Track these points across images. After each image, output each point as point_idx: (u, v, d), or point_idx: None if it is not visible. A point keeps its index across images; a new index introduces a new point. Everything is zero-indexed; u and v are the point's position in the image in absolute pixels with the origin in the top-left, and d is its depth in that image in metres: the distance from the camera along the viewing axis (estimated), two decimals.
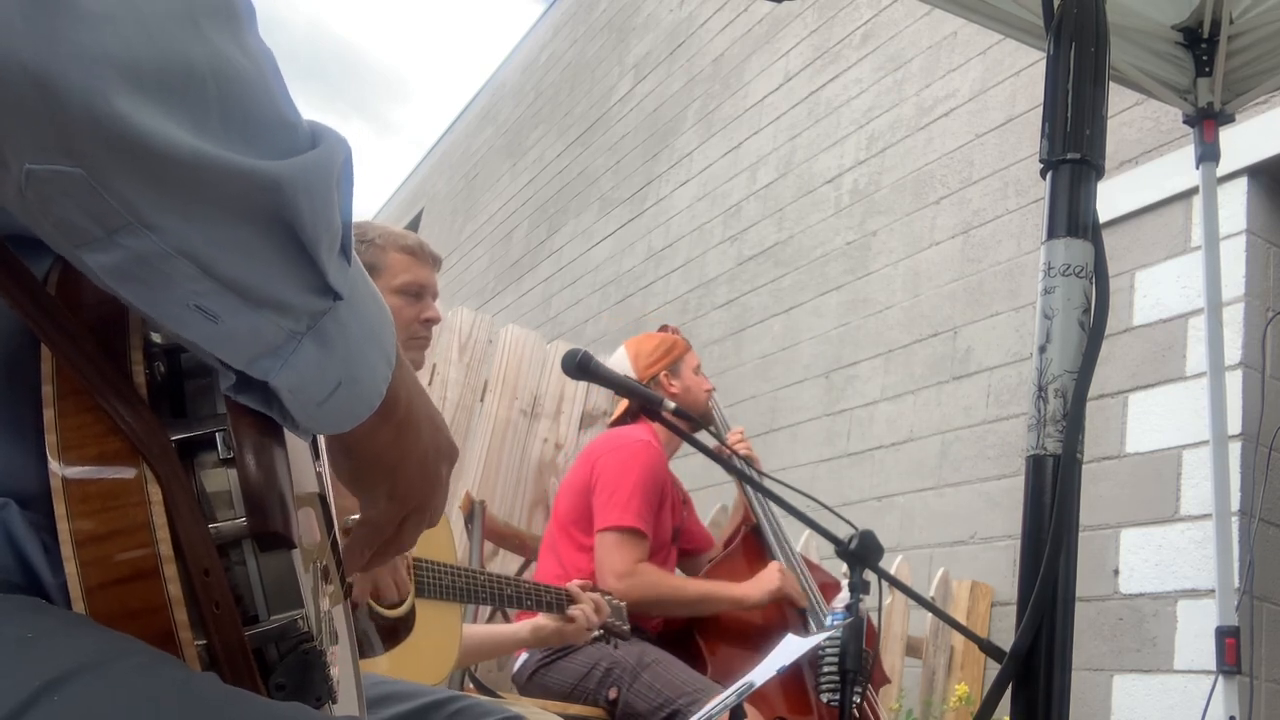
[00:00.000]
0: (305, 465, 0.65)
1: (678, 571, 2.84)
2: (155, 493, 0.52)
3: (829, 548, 1.88)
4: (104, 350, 0.54)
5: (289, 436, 0.59)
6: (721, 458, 2.40)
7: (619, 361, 2.85)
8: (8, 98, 0.43)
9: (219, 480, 0.54)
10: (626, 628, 2.31)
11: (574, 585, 2.24)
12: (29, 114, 0.43)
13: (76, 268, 0.49)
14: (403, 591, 1.64)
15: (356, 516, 0.71)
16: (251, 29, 0.49)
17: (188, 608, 0.52)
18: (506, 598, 2.10)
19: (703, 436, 2.51)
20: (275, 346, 0.52)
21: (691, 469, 4.14)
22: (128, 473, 0.52)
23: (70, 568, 0.51)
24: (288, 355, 0.52)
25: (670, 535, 2.73)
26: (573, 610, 2.19)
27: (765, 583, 2.60)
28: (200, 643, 0.52)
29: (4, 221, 0.54)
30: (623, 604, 2.33)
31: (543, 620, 2.20)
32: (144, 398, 0.54)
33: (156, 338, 0.56)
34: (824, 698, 1.87)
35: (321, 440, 0.72)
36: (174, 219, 0.46)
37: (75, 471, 0.52)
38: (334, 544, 0.73)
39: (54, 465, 0.52)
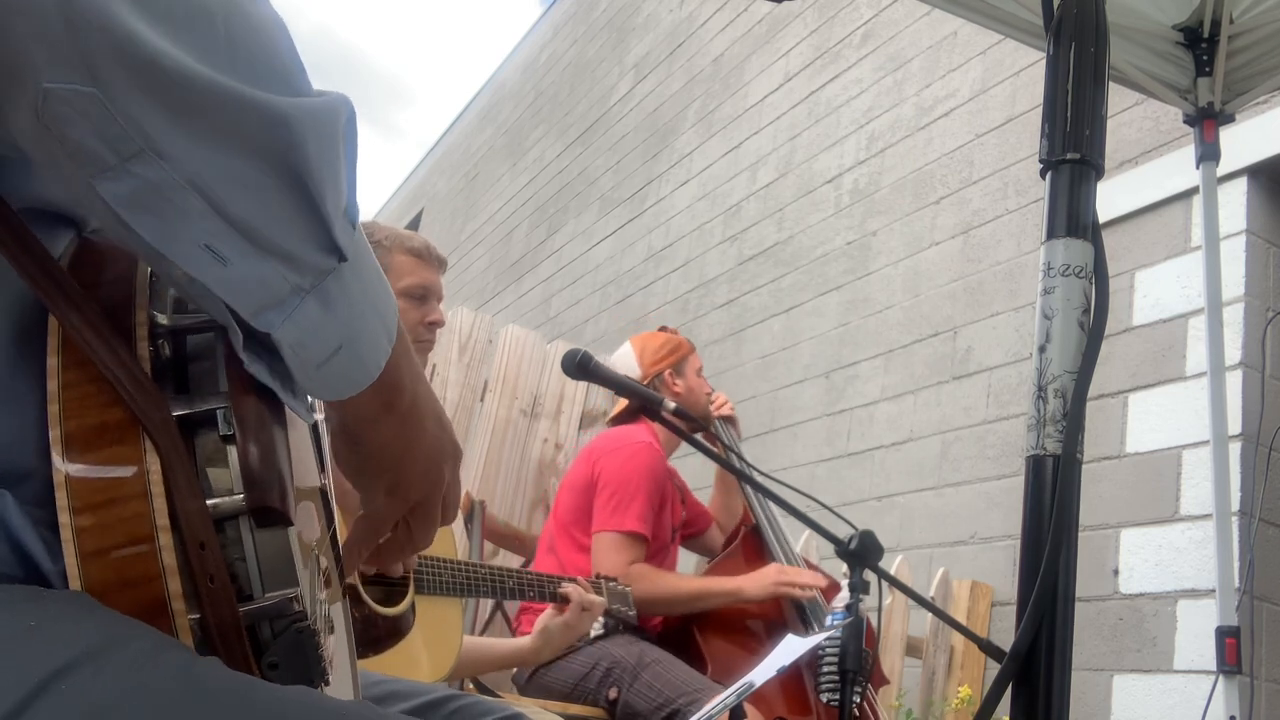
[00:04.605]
0: (308, 460, 0.66)
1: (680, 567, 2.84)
2: (154, 463, 0.53)
3: (829, 548, 1.87)
4: (111, 326, 0.55)
5: (293, 432, 0.59)
6: (721, 458, 2.40)
7: (624, 356, 2.85)
8: (29, 12, 0.44)
9: (219, 456, 0.55)
10: (633, 613, 2.30)
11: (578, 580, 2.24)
12: (49, 30, 0.44)
13: (91, 215, 0.50)
14: (409, 566, 1.63)
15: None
16: None
17: (182, 580, 0.52)
18: (508, 589, 2.08)
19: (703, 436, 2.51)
20: (280, 299, 0.53)
21: (691, 469, 4.13)
22: (128, 443, 0.53)
23: (67, 535, 0.52)
24: (291, 310, 0.53)
25: (670, 535, 2.74)
26: (564, 589, 2.15)
27: (763, 577, 2.60)
28: (194, 616, 0.53)
29: (20, 193, 0.55)
30: (628, 589, 2.32)
31: (543, 623, 2.18)
32: (147, 372, 0.54)
33: (162, 319, 0.57)
34: (824, 698, 1.87)
35: (325, 442, 0.73)
36: (184, 146, 0.47)
37: (75, 440, 0.53)
38: (333, 539, 0.73)
39: (55, 433, 0.53)
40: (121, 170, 0.47)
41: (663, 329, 3.05)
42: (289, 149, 0.50)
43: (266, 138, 0.49)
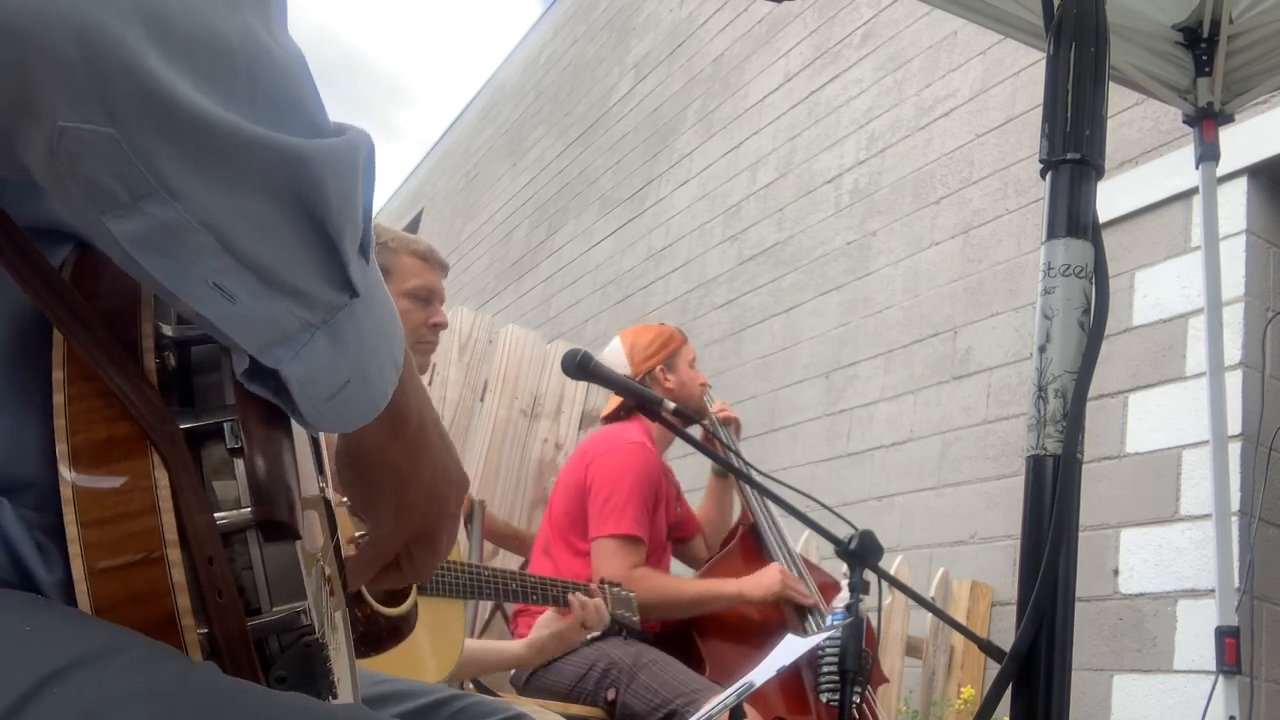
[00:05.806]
0: (308, 467, 0.65)
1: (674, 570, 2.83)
2: (162, 478, 0.52)
3: (829, 548, 1.88)
4: (116, 338, 0.54)
5: (295, 440, 0.59)
6: (720, 457, 2.40)
7: (614, 352, 2.83)
8: (48, 49, 0.43)
9: (226, 469, 0.54)
10: (636, 619, 2.30)
11: (581, 587, 2.25)
12: (67, 67, 0.43)
13: (99, 244, 0.49)
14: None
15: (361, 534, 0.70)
16: (282, 22, 0.50)
17: (191, 595, 0.52)
18: (511, 592, 2.09)
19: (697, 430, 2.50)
20: (289, 336, 0.52)
21: (691, 468, 4.14)
22: (136, 457, 0.52)
23: (75, 549, 0.51)
24: (300, 347, 0.52)
25: (665, 534, 2.73)
26: (571, 597, 2.18)
27: (765, 581, 2.59)
28: (202, 631, 0.52)
29: (22, 211, 0.54)
30: (632, 595, 2.32)
31: (537, 632, 2.20)
32: (154, 385, 0.54)
33: (167, 330, 0.56)
34: (824, 698, 1.87)
35: (325, 455, 0.72)
36: (199, 188, 0.46)
37: (83, 454, 0.52)
38: (336, 548, 0.72)
39: (62, 447, 0.52)
40: (133, 209, 0.46)
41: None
42: (307, 190, 0.49)
43: (284, 179, 0.48)
